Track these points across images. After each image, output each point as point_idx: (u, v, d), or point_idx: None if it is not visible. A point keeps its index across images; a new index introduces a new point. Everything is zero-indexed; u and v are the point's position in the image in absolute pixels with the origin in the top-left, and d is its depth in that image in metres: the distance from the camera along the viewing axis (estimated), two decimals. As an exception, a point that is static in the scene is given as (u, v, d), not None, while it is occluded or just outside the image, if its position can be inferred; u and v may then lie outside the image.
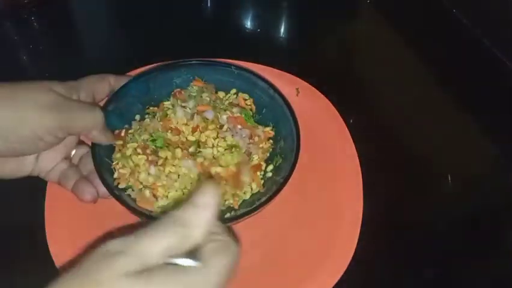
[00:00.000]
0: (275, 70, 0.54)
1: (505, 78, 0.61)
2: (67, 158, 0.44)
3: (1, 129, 0.35)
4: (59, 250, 0.41)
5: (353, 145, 0.50)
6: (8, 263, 0.42)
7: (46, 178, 0.43)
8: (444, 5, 0.66)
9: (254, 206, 0.41)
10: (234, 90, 0.50)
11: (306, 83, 0.54)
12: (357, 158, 0.49)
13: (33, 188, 0.45)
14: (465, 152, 0.54)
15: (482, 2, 0.63)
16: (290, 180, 0.42)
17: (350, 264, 0.42)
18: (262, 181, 0.46)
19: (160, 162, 0.44)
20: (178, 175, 0.44)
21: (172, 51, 0.55)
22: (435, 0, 0.67)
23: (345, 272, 0.42)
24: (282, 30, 0.67)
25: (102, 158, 0.43)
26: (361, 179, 0.47)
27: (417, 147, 0.54)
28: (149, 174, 0.44)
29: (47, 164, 0.42)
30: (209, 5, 0.68)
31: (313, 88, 0.53)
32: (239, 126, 0.47)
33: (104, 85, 0.44)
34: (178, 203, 0.42)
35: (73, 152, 0.44)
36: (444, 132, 0.54)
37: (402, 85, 0.58)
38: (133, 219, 0.41)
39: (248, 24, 0.67)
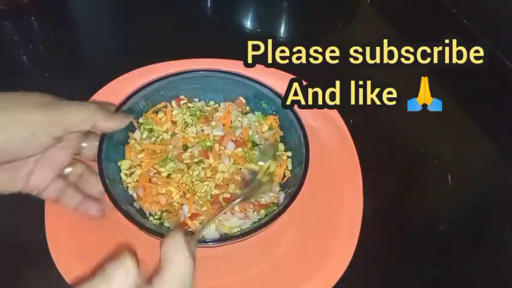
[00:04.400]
0: (275, 70, 0.54)
1: (505, 78, 0.61)
2: (61, 175, 0.42)
3: None
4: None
5: (353, 145, 0.50)
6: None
7: (41, 196, 0.42)
8: (445, 5, 0.66)
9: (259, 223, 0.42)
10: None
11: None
12: (357, 158, 0.49)
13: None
14: (465, 152, 0.54)
15: (482, 2, 0.63)
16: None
17: (350, 264, 0.42)
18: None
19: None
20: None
21: (172, 51, 0.55)
22: (435, 0, 0.67)
23: (345, 272, 0.42)
24: (282, 30, 0.67)
25: (108, 166, 0.43)
26: (361, 179, 0.47)
27: (417, 147, 0.54)
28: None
29: (40, 180, 0.41)
30: (209, 5, 0.69)
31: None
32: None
33: (87, 126, 0.40)
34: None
35: (69, 169, 0.43)
36: (444, 132, 0.55)
37: (402, 85, 0.58)
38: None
39: (248, 24, 0.67)
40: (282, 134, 0.49)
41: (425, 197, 0.50)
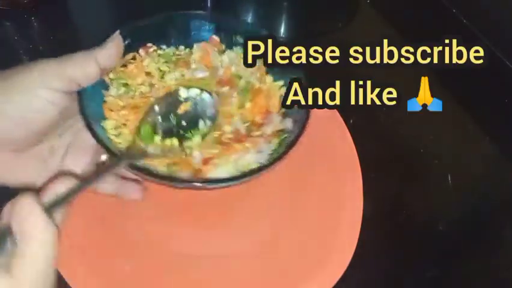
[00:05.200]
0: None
1: (505, 78, 0.61)
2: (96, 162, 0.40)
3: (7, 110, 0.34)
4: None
5: (353, 145, 0.50)
6: None
7: None
8: (444, 5, 0.66)
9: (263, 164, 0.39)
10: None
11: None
12: (357, 158, 0.49)
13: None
14: (465, 152, 0.54)
15: (482, 2, 0.63)
16: (290, 179, 0.42)
17: (350, 264, 0.42)
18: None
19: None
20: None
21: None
22: (435, 0, 0.67)
23: (345, 272, 0.42)
24: (282, 30, 0.67)
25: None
26: (361, 179, 0.47)
27: (417, 147, 0.54)
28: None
29: (75, 167, 0.39)
30: (209, 5, 0.69)
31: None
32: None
33: (91, 68, 0.38)
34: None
35: (104, 157, 0.41)
36: (444, 132, 0.55)
37: (402, 85, 0.58)
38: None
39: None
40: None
41: (425, 197, 0.50)
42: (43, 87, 0.35)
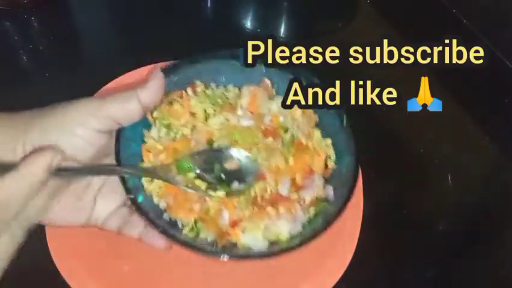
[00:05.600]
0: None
1: (505, 78, 0.61)
2: (126, 205, 0.40)
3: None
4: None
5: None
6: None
7: (104, 226, 0.39)
8: (445, 5, 0.66)
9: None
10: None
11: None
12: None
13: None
14: (465, 152, 0.54)
15: (482, 2, 0.63)
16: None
17: (350, 264, 0.42)
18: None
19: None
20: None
21: (172, 51, 0.55)
22: (435, 0, 0.67)
23: (345, 272, 0.42)
24: (282, 30, 0.67)
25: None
26: (361, 179, 0.47)
27: (417, 147, 0.54)
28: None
29: (105, 208, 0.38)
30: (209, 5, 0.69)
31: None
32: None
33: (133, 106, 0.37)
34: None
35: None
36: (444, 132, 0.55)
37: (402, 85, 0.58)
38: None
39: (248, 24, 0.67)
40: (317, 118, 0.45)
41: (425, 197, 0.50)
42: (81, 127, 0.35)
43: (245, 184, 0.41)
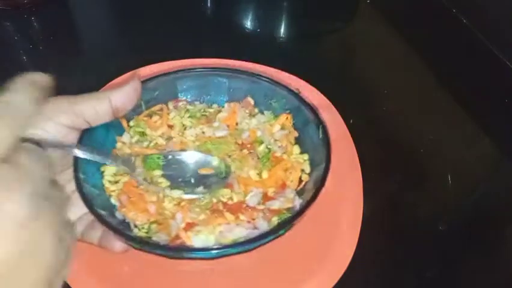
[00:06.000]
0: (275, 70, 0.54)
1: (505, 78, 0.61)
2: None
3: None
4: None
5: (353, 145, 0.50)
6: None
7: None
8: (445, 5, 0.66)
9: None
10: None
11: (306, 83, 0.54)
12: (357, 158, 0.49)
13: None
14: (465, 152, 0.54)
15: (482, 2, 0.63)
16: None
17: (350, 264, 0.42)
18: None
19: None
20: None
21: (172, 51, 0.55)
22: (435, 0, 0.67)
23: (345, 272, 0.42)
24: (282, 30, 0.67)
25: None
26: (361, 179, 0.47)
27: (417, 147, 0.54)
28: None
29: (74, 211, 0.38)
30: (209, 5, 0.69)
31: (314, 88, 0.53)
32: None
33: (103, 106, 0.38)
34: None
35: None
36: (444, 132, 0.55)
37: (403, 85, 0.58)
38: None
39: (248, 24, 0.67)
40: (296, 134, 0.46)
41: (425, 197, 0.50)
42: (51, 122, 0.35)
43: (210, 190, 0.42)
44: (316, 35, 0.65)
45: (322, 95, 0.53)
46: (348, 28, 0.67)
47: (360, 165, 0.48)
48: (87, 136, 0.38)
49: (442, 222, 0.48)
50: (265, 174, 0.43)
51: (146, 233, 0.40)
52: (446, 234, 0.47)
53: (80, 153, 0.37)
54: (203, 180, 0.42)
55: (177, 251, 0.37)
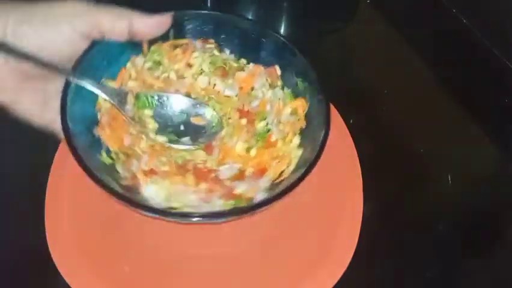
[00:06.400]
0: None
1: (505, 78, 0.61)
2: None
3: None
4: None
5: (353, 145, 0.50)
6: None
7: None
8: (444, 5, 0.66)
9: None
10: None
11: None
12: (357, 158, 0.49)
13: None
14: (465, 152, 0.54)
15: (482, 2, 0.63)
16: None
17: (350, 264, 0.42)
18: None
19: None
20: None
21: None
22: (435, 0, 0.67)
23: (345, 272, 0.42)
24: (282, 30, 0.67)
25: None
26: (361, 179, 0.47)
27: (417, 147, 0.54)
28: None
29: None
30: (209, 5, 0.68)
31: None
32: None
33: (121, 25, 0.36)
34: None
35: None
36: (444, 132, 0.54)
37: (403, 85, 0.58)
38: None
39: (248, 24, 0.67)
40: (304, 125, 0.42)
41: (425, 197, 0.50)
42: (65, 24, 0.35)
43: (192, 145, 0.40)
44: (316, 35, 0.65)
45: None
46: (348, 28, 0.67)
47: (360, 165, 0.48)
48: (96, 50, 0.37)
49: (442, 222, 0.48)
50: (253, 152, 0.41)
51: (112, 160, 0.38)
52: (446, 234, 0.47)
53: (73, 79, 0.36)
54: (191, 131, 0.41)
55: (125, 199, 0.34)
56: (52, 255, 0.41)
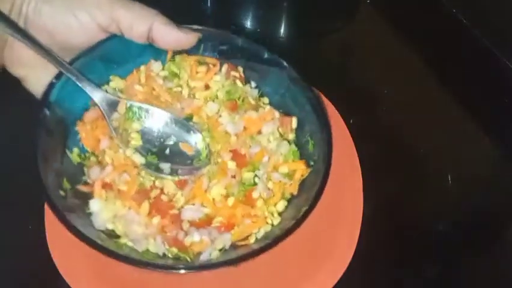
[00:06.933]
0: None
1: (505, 78, 0.61)
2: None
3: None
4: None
5: (353, 145, 0.50)
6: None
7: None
8: (445, 5, 0.66)
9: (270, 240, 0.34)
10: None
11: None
12: (357, 158, 0.49)
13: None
14: (465, 152, 0.54)
15: (482, 2, 0.63)
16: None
17: (350, 264, 0.42)
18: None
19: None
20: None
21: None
22: (435, 0, 0.67)
23: (345, 272, 0.42)
24: (282, 30, 0.67)
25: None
26: (361, 179, 0.47)
27: (417, 147, 0.54)
28: None
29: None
30: (209, 5, 0.68)
31: (314, 88, 0.53)
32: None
33: (141, 28, 0.36)
34: None
35: None
36: (444, 132, 0.54)
37: (402, 85, 0.58)
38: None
39: (248, 24, 0.67)
40: (295, 192, 0.40)
41: (425, 197, 0.50)
42: (85, 13, 0.35)
43: (169, 175, 0.37)
44: (316, 35, 0.65)
45: (322, 95, 0.53)
46: (348, 28, 0.67)
47: (360, 165, 0.48)
48: (114, 43, 0.37)
49: (442, 222, 0.48)
50: (230, 201, 0.37)
51: (83, 159, 0.38)
52: (446, 234, 0.47)
53: (68, 74, 0.36)
54: (175, 158, 0.38)
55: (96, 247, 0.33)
56: (52, 256, 0.41)
